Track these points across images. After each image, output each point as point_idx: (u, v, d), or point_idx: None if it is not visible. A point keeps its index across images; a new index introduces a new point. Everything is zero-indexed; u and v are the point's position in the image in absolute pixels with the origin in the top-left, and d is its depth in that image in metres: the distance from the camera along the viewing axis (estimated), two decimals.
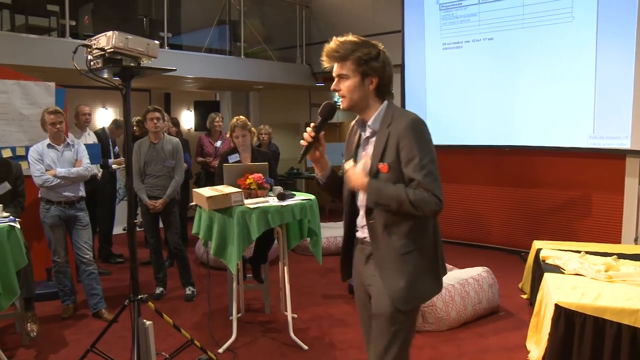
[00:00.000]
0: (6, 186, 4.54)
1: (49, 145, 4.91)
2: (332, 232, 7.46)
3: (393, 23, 8.55)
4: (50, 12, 7.81)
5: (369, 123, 2.36)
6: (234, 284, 4.48)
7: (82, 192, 5.04)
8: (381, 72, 2.31)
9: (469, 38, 7.54)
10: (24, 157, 5.37)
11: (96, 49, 3.15)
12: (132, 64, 3.21)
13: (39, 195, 4.99)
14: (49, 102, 5.59)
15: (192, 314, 5.13)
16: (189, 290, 5.57)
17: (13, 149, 5.55)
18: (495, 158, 7.65)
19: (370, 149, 2.36)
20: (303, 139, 2.39)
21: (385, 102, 2.36)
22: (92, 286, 4.99)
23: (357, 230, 2.50)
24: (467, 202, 7.98)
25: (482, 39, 7.44)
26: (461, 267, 5.42)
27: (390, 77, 2.37)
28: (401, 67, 8.33)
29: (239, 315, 4.63)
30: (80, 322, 4.96)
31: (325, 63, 2.36)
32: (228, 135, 5.12)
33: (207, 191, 4.23)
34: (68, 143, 5.02)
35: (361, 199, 2.42)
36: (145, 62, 3.27)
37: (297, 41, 10.12)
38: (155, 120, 5.39)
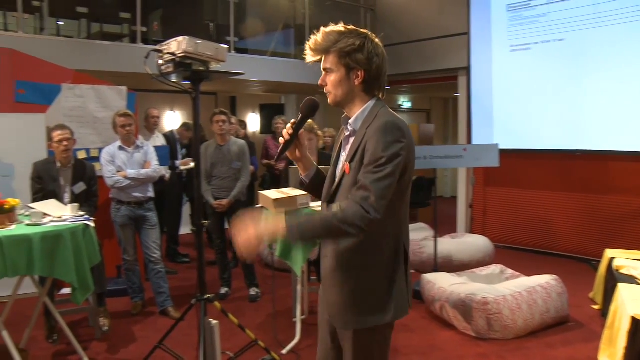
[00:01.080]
0: (81, 186, 4.71)
1: (120, 147, 5.07)
2: None
3: (459, 25, 8.43)
4: (122, 20, 8.07)
5: (350, 121, 2.14)
6: (299, 286, 4.50)
7: (150, 193, 5.18)
8: (367, 65, 2.06)
9: (537, 39, 7.36)
10: (97, 159, 5.56)
11: (167, 53, 3.24)
12: (202, 68, 3.27)
13: (110, 195, 5.16)
14: (120, 106, 5.77)
15: (256, 314, 5.19)
16: (253, 291, 5.63)
17: (87, 151, 5.77)
18: (565, 163, 7.41)
19: (347, 149, 2.16)
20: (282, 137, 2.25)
21: (373, 101, 2.13)
22: (159, 285, 5.11)
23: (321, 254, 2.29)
24: (533, 207, 7.77)
25: (551, 40, 7.25)
26: (527, 274, 5.27)
27: (379, 71, 2.10)
28: (467, 70, 8.21)
29: (303, 317, 4.65)
30: (148, 319, 5.09)
31: (310, 57, 2.15)
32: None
33: (273, 193, 4.27)
34: (138, 145, 5.16)
35: (324, 199, 2.23)
36: (214, 66, 3.34)
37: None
38: (220, 123, 5.48)
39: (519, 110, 7.65)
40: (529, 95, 7.50)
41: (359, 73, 2.08)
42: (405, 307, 2.13)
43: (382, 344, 2.15)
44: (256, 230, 1.97)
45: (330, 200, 2.16)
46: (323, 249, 2.20)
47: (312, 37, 2.12)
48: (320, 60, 2.15)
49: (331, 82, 2.11)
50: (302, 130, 2.26)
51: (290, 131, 2.22)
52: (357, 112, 2.12)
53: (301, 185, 2.40)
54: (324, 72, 2.14)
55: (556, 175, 7.53)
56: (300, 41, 9.26)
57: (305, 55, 2.17)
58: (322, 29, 2.12)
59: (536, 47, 7.39)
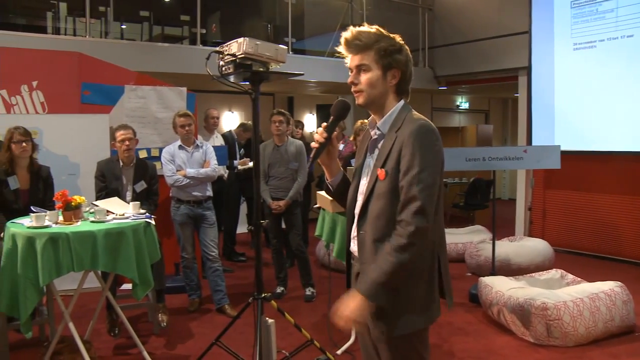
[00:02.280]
0: (143, 185, 4.83)
1: (179, 147, 5.18)
2: (453, 238, 7.36)
3: (520, 24, 8.26)
4: (182, 22, 8.25)
5: (379, 124, 2.11)
6: None
7: (209, 192, 5.27)
8: (404, 66, 2.08)
9: (603, 37, 7.11)
10: (158, 158, 5.70)
11: (227, 55, 3.28)
12: (261, 69, 3.31)
13: (170, 194, 5.28)
14: (180, 106, 5.89)
15: (312, 314, 5.21)
16: (309, 291, 5.66)
17: (148, 150, 5.92)
18: (631, 165, 7.14)
19: (375, 153, 2.13)
20: (314, 141, 2.19)
21: (401, 103, 2.11)
22: (216, 282, 5.19)
23: (351, 242, 2.25)
24: (596, 211, 7.52)
25: (619, 37, 6.99)
26: (590, 280, 5.10)
27: (411, 75, 2.11)
28: (528, 69, 8.02)
29: None
30: (205, 316, 5.18)
31: (345, 53, 2.11)
32: (352, 139, 5.14)
33: None
34: (197, 145, 5.26)
35: (357, 206, 2.16)
36: (273, 67, 3.37)
37: (420, 44, 10.03)
38: (277, 124, 5.53)
39: (583, 110, 7.42)
40: (593, 95, 7.26)
41: (396, 74, 2.07)
42: (438, 309, 2.14)
43: (420, 350, 2.13)
44: (349, 314, 1.99)
45: (364, 206, 2.10)
46: (364, 254, 2.12)
47: (348, 34, 2.08)
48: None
49: (366, 81, 2.07)
50: (334, 133, 2.22)
51: (324, 134, 2.18)
52: (385, 115, 2.11)
53: (327, 191, 2.37)
54: (354, 71, 2.09)
55: (622, 177, 7.26)
56: None
57: (340, 52, 2.13)
58: (356, 28, 2.08)
59: (602, 44, 7.15)
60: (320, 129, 2.19)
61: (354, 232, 2.20)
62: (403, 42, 2.10)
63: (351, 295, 2.00)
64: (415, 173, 1.94)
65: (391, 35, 2.09)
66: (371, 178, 2.09)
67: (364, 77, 2.07)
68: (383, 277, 1.94)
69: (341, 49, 2.11)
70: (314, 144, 2.18)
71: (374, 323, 2.09)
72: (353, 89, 2.11)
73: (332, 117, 2.21)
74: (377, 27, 2.09)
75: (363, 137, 2.29)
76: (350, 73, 2.12)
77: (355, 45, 2.06)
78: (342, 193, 2.31)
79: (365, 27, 2.08)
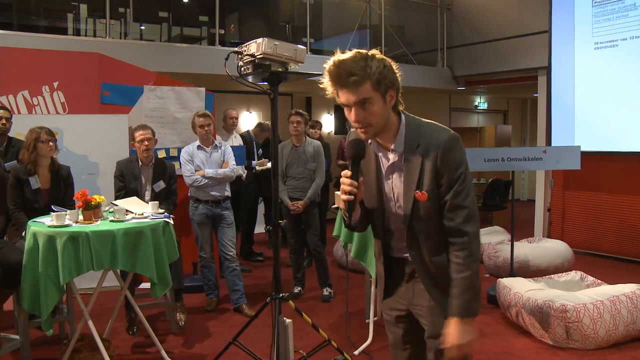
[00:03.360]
0: (161, 184, 4.86)
1: (198, 147, 5.20)
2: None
3: (539, 23, 8.20)
4: (201, 23, 8.28)
5: (394, 147, 2.02)
6: (372, 287, 4.48)
7: (227, 192, 5.29)
8: (396, 81, 1.95)
9: (626, 35, 7.02)
10: (176, 158, 5.74)
11: (246, 55, 3.29)
12: (280, 69, 3.31)
13: (189, 194, 5.31)
14: (199, 106, 5.92)
15: (329, 314, 5.21)
16: (326, 291, 5.66)
17: (167, 150, 5.95)
18: None
19: (398, 175, 2.05)
20: (344, 193, 2.00)
21: (403, 118, 2.02)
22: (234, 282, 5.21)
23: (391, 252, 2.21)
24: (618, 213, 7.43)
25: None
26: (611, 282, 5.05)
27: (400, 87, 1.99)
28: (547, 69, 7.95)
29: (376, 318, 4.62)
30: (222, 315, 5.20)
31: (334, 89, 1.94)
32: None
33: None
34: (216, 145, 5.28)
35: (397, 229, 2.13)
36: (292, 67, 3.37)
37: (438, 44, 9.99)
38: (295, 124, 5.54)
39: (603, 110, 7.34)
40: (614, 95, 7.18)
41: (392, 93, 1.96)
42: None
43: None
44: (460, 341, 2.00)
45: (409, 228, 2.07)
46: (421, 275, 2.13)
47: (334, 69, 1.90)
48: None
49: (373, 114, 1.92)
50: (361, 178, 2.04)
51: (355, 184, 1.99)
52: (397, 136, 2.02)
53: (348, 228, 2.25)
54: (355, 108, 1.92)
55: None
56: (376, 42, 9.24)
57: (329, 92, 1.98)
58: (338, 59, 1.89)
59: (624, 43, 7.06)
60: (347, 179, 2.00)
61: (397, 244, 2.17)
62: (383, 56, 1.95)
63: (451, 324, 2.02)
64: (457, 185, 1.98)
65: (371, 53, 1.92)
66: (406, 202, 2.04)
67: (370, 111, 1.92)
68: (470, 293, 2.01)
69: (328, 85, 1.95)
70: (344, 197, 2.00)
71: (431, 323, 2.13)
72: (358, 126, 1.96)
73: (351, 162, 2.03)
74: (356, 51, 1.92)
75: (366, 158, 2.10)
76: (346, 109, 1.97)
77: (353, 82, 1.88)
78: (362, 224, 2.25)
79: (348, 56, 1.89)
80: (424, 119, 2.07)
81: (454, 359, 2.03)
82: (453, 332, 2.01)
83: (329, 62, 1.92)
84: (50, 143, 4.32)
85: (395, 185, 2.08)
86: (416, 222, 2.06)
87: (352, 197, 1.99)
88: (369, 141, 2.08)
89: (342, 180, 2.02)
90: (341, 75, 1.88)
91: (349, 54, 1.90)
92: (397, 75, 1.97)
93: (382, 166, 2.10)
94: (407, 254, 2.14)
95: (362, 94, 1.89)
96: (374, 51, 1.94)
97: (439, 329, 2.09)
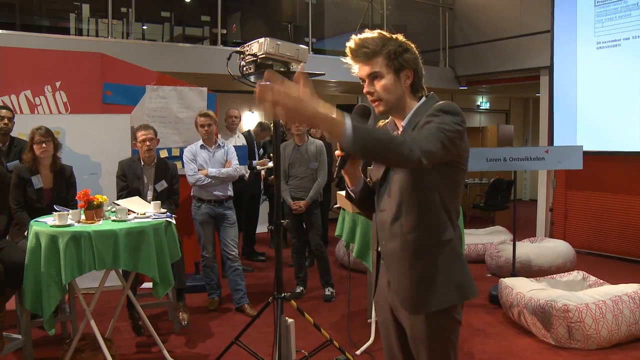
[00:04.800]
0: (163, 184, 4.86)
1: (201, 146, 5.21)
2: (473, 239, 7.31)
3: (541, 23, 8.19)
4: (203, 22, 8.29)
5: (403, 123, 2.06)
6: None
7: (230, 192, 5.29)
8: (415, 64, 2.04)
9: (628, 35, 7.01)
10: (179, 158, 5.75)
11: (248, 55, 3.30)
12: (282, 69, 3.32)
13: (192, 193, 5.31)
14: (201, 106, 5.92)
15: (331, 314, 5.21)
16: (328, 291, 5.66)
17: (169, 150, 5.95)
18: None
19: None
20: (338, 150, 2.00)
21: (423, 99, 2.07)
22: (236, 282, 5.21)
23: (382, 241, 2.16)
24: (621, 213, 7.42)
25: None
26: (613, 282, 5.04)
27: (422, 71, 2.07)
28: (550, 69, 7.95)
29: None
30: (224, 315, 5.20)
31: (352, 63, 2.06)
32: None
33: None
34: (219, 144, 5.29)
35: (388, 201, 2.08)
36: (294, 67, 3.38)
37: (440, 44, 9.99)
38: (297, 124, 5.54)
39: (605, 110, 7.33)
40: (617, 95, 7.17)
41: (409, 73, 2.04)
42: (473, 288, 2.10)
43: (455, 332, 2.10)
44: (301, 95, 1.64)
45: (384, 182, 2.09)
46: (384, 234, 2.09)
47: (351, 44, 2.02)
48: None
49: (382, 88, 2.02)
50: None
51: None
52: (408, 115, 2.06)
53: (350, 199, 2.27)
54: (367, 80, 2.04)
55: None
56: None
57: (348, 64, 2.08)
58: (358, 36, 2.02)
59: (627, 43, 7.05)
60: None
61: (389, 232, 2.13)
62: (407, 41, 2.06)
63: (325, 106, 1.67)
64: (435, 121, 1.87)
65: (394, 36, 2.05)
66: (400, 170, 2.06)
67: (379, 85, 2.02)
68: (374, 135, 1.72)
69: (347, 59, 2.07)
70: (338, 152, 2.04)
71: (411, 298, 2.05)
72: (370, 98, 2.06)
73: None
74: (379, 31, 2.05)
75: None
76: (362, 83, 2.08)
77: (363, 54, 2.01)
78: (365, 199, 2.25)
79: (368, 33, 2.03)
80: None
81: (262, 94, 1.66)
82: (323, 107, 1.66)
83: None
84: (44, 144, 4.31)
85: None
86: (388, 182, 2.08)
87: (343, 153, 2.01)
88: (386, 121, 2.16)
89: None
90: (355, 47, 2.01)
91: (369, 33, 2.03)
92: (417, 59, 2.05)
93: None
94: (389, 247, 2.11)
95: (373, 67, 2.01)
96: (398, 36, 2.05)
97: (417, 332, 2.08)
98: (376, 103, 2.06)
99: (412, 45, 2.06)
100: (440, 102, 2.00)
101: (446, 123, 1.88)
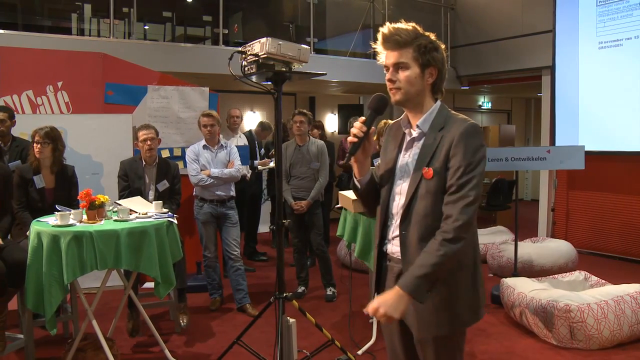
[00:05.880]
0: (165, 184, 4.86)
1: (204, 146, 5.21)
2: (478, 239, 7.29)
3: (543, 23, 8.19)
4: (205, 22, 8.29)
5: (418, 123, 2.09)
6: None
7: (232, 192, 5.29)
8: (441, 65, 2.06)
9: (631, 34, 7.00)
10: (180, 158, 5.75)
11: (250, 55, 3.29)
12: (284, 69, 3.31)
13: (194, 193, 5.31)
14: (203, 106, 5.92)
15: (332, 314, 5.21)
16: (329, 291, 5.66)
17: (171, 150, 5.96)
18: None
19: (414, 152, 2.10)
20: (350, 135, 2.12)
21: (439, 103, 2.11)
22: (238, 282, 5.21)
23: (387, 243, 2.19)
24: (623, 212, 7.41)
25: None
26: (615, 282, 5.04)
27: (446, 74, 2.11)
28: (551, 69, 7.94)
29: None
30: (226, 315, 5.20)
31: (381, 49, 2.08)
32: (375, 138, 5.11)
33: (353, 194, 4.27)
34: (222, 145, 5.29)
35: (396, 206, 2.13)
36: (295, 67, 3.37)
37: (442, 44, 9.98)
38: (298, 124, 5.54)
39: (607, 110, 7.32)
40: (619, 95, 7.16)
41: (433, 72, 2.06)
42: (482, 309, 2.17)
43: (461, 349, 2.15)
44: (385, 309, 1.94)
45: (407, 207, 2.07)
46: (408, 255, 2.08)
47: (385, 30, 2.05)
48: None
49: (405, 78, 2.04)
50: (372, 128, 2.16)
51: (363, 128, 2.10)
52: (425, 114, 2.09)
53: (355, 190, 2.30)
54: (392, 68, 2.06)
55: None
56: None
57: (376, 49, 2.12)
58: (393, 25, 2.05)
59: (629, 42, 7.03)
60: (359, 123, 2.12)
61: (393, 233, 2.16)
62: (438, 40, 2.08)
63: (392, 290, 1.97)
64: (467, 171, 1.95)
65: (426, 33, 2.07)
66: (414, 177, 2.07)
67: (403, 75, 2.04)
68: (424, 270, 1.93)
69: (377, 44, 2.09)
70: (351, 139, 2.12)
71: (424, 321, 2.08)
72: (390, 86, 2.08)
73: (370, 112, 2.17)
74: (413, 24, 2.06)
75: (391, 134, 2.26)
76: (385, 71, 2.10)
77: (394, 41, 2.03)
78: (369, 192, 2.26)
79: (403, 24, 2.05)
80: (459, 113, 2.11)
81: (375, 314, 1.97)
82: (386, 295, 1.97)
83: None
84: (39, 146, 4.31)
85: (408, 160, 2.12)
86: (416, 199, 2.06)
87: (357, 139, 2.10)
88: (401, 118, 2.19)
89: (354, 123, 2.12)
90: (388, 34, 2.04)
91: (405, 24, 2.06)
92: (444, 60, 2.08)
93: (404, 142, 2.18)
94: (398, 250, 2.12)
95: (400, 56, 2.03)
96: (431, 34, 2.08)
97: (425, 332, 2.10)
98: (394, 91, 2.08)
99: (442, 46, 2.09)
100: (464, 122, 2.02)
101: (473, 166, 1.95)
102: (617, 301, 4.41)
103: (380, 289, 2.25)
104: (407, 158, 2.14)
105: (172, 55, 7.05)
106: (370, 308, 1.97)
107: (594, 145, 7.15)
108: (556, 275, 5.38)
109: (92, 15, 7.74)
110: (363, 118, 2.13)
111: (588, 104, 7.56)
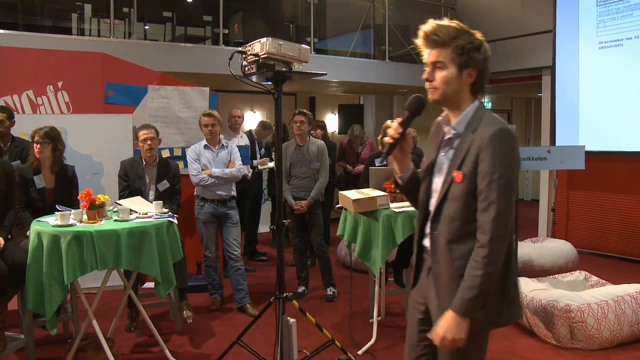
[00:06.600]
0: (165, 184, 4.86)
1: (205, 146, 5.21)
2: None
3: (543, 22, 8.18)
4: (205, 22, 8.28)
5: (453, 124, 2.10)
6: (376, 287, 4.48)
7: (233, 192, 5.29)
8: (482, 65, 2.04)
9: (631, 34, 7.00)
10: (180, 158, 5.75)
11: (250, 55, 3.29)
12: (284, 69, 3.31)
13: (195, 193, 5.31)
14: (203, 106, 5.92)
15: (333, 314, 5.21)
16: (330, 291, 5.66)
17: (171, 150, 5.96)
18: None
19: (449, 152, 2.12)
20: (387, 136, 2.16)
21: (476, 103, 2.09)
22: (238, 281, 5.21)
23: (425, 237, 2.24)
24: (623, 212, 7.41)
25: None
26: (615, 282, 5.04)
27: (488, 74, 2.09)
28: (551, 69, 7.94)
29: (379, 318, 4.62)
30: (226, 315, 5.20)
31: (421, 47, 2.08)
32: (379, 137, 5.11)
33: (353, 194, 4.27)
34: (223, 144, 5.29)
35: (432, 203, 2.16)
36: (296, 67, 3.37)
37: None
38: (299, 124, 5.54)
39: (608, 110, 7.32)
40: (619, 95, 7.15)
41: (472, 72, 2.04)
42: (518, 312, 2.17)
43: (480, 350, 2.16)
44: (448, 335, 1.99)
45: (438, 207, 2.11)
46: (436, 255, 2.14)
47: (426, 27, 2.04)
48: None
49: (442, 78, 2.04)
50: (408, 129, 2.18)
51: (400, 129, 2.14)
52: (461, 115, 2.09)
53: (396, 186, 2.36)
54: (430, 67, 2.07)
55: None
56: (380, 41, 9.24)
57: (418, 46, 2.11)
58: (434, 21, 2.04)
59: (629, 42, 7.03)
60: (395, 124, 2.15)
61: (427, 229, 2.20)
62: (483, 38, 2.06)
63: (446, 316, 2.01)
64: (495, 178, 1.94)
65: (472, 31, 2.05)
66: (446, 179, 2.09)
67: (439, 75, 2.04)
68: (474, 292, 1.97)
69: (418, 41, 2.09)
70: (387, 139, 2.15)
71: (438, 316, 2.09)
72: (427, 85, 2.09)
73: (407, 113, 2.18)
74: (457, 22, 2.05)
75: (434, 132, 2.27)
76: (425, 68, 2.10)
77: (432, 40, 2.03)
78: (410, 188, 2.30)
79: (446, 22, 2.04)
80: (496, 115, 2.10)
81: (442, 346, 2.03)
82: (443, 323, 2.01)
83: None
84: (39, 146, 4.31)
85: (444, 159, 2.14)
86: (446, 201, 2.09)
87: (392, 141, 2.14)
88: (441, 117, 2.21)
89: (390, 124, 2.18)
90: (427, 32, 2.04)
91: (448, 22, 2.04)
92: (486, 60, 2.05)
93: (443, 141, 2.18)
94: (430, 246, 2.17)
95: (438, 56, 2.03)
96: (477, 32, 2.06)
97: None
98: (431, 90, 2.09)
99: (487, 46, 2.06)
100: (492, 121, 2.02)
101: (502, 172, 1.94)
102: (617, 301, 4.40)
103: (416, 280, 2.31)
104: (443, 157, 2.16)
105: (172, 55, 7.05)
106: (436, 339, 2.02)
107: (594, 145, 7.15)
108: (556, 275, 5.38)
109: (92, 15, 7.73)
110: (400, 119, 2.16)
111: (588, 104, 7.55)
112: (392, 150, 2.17)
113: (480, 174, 1.98)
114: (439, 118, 2.25)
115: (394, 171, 2.31)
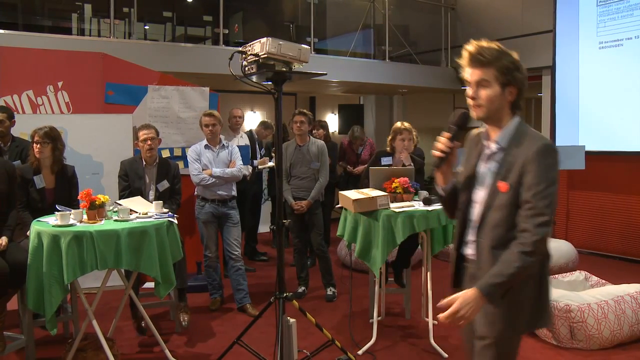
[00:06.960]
0: (165, 184, 4.86)
1: (206, 146, 5.21)
2: None
3: (543, 23, 8.19)
4: (205, 22, 8.28)
5: (497, 138, 2.21)
6: (376, 287, 4.48)
7: (234, 192, 5.29)
8: (521, 84, 2.17)
9: (631, 34, 6.99)
10: (180, 158, 5.75)
11: (250, 55, 3.29)
12: (284, 69, 3.31)
13: (195, 193, 5.31)
14: (203, 106, 5.92)
15: (333, 314, 5.21)
16: (330, 291, 5.65)
17: (171, 150, 5.96)
18: None
19: (492, 165, 2.22)
20: (436, 150, 2.28)
21: (517, 119, 2.21)
22: (238, 281, 5.21)
23: (465, 245, 2.35)
24: (623, 213, 7.40)
25: None
26: (615, 282, 5.04)
27: (524, 92, 2.21)
28: (551, 69, 7.93)
29: (379, 318, 4.62)
30: (226, 315, 5.20)
31: (465, 67, 2.20)
32: (389, 139, 5.10)
33: (353, 194, 4.27)
34: (223, 144, 5.29)
35: (475, 213, 2.27)
36: (296, 67, 3.37)
37: (442, 44, 9.98)
38: (299, 124, 5.54)
39: (608, 110, 7.31)
40: (619, 95, 7.15)
41: (513, 90, 2.16)
42: (550, 316, 2.28)
43: (513, 354, 2.25)
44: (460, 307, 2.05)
45: (483, 216, 2.21)
46: (476, 263, 2.25)
47: (470, 48, 2.16)
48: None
49: (486, 96, 2.15)
50: (455, 143, 2.28)
51: (450, 144, 2.26)
52: (502, 130, 2.20)
53: (439, 197, 2.45)
54: (474, 85, 2.17)
55: None
56: (380, 41, 9.24)
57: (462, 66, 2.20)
58: (476, 42, 2.17)
59: (629, 42, 7.03)
60: (444, 139, 2.26)
61: (471, 237, 2.30)
62: (518, 59, 2.18)
63: (466, 292, 2.08)
64: (542, 189, 2.05)
65: (510, 51, 2.18)
66: (491, 189, 2.19)
67: (484, 93, 2.15)
68: (502, 279, 2.06)
69: (462, 60, 2.19)
70: (437, 153, 2.27)
71: (490, 323, 2.19)
72: (472, 103, 2.19)
73: (454, 128, 2.28)
74: (497, 43, 2.18)
75: (472, 144, 2.37)
76: (468, 86, 2.20)
77: (477, 60, 2.14)
78: (450, 199, 2.41)
79: (486, 43, 2.16)
80: (536, 131, 2.22)
81: (443, 317, 2.08)
82: (461, 297, 2.07)
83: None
84: (39, 146, 4.31)
85: (486, 172, 2.25)
86: (490, 210, 2.19)
87: (442, 155, 2.27)
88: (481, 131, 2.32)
89: (439, 139, 2.28)
90: (473, 53, 2.15)
91: (488, 43, 2.18)
92: (524, 79, 2.19)
93: (484, 154, 2.28)
94: (473, 252, 2.28)
95: (483, 75, 2.14)
96: (514, 53, 2.19)
97: (480, 328, 2.22)
98: (476, 108, 2.19)
99: (524, 67, 2.19)
100: (535, 137, 2.14)
101: (547, 184, 2.05)
102: (617, 301, 4.41)
103: (456, 289, 2.35)
104: (485, 170, 2.26)
105: (172, 55, 7.05)
106: (448, 312, 2.06)
107: (594, 145, 7.15)
108: (556, 275, 5.37)
109: (92, 15, 7.74)
110: (447, 134, 2.27)
111: (588, 104, 7.55)
112: (442, 164, 2.30)
113: (526, 185, 2.08)
114: (475, 131, 2.38)
115: (437, 182, 2.41)
